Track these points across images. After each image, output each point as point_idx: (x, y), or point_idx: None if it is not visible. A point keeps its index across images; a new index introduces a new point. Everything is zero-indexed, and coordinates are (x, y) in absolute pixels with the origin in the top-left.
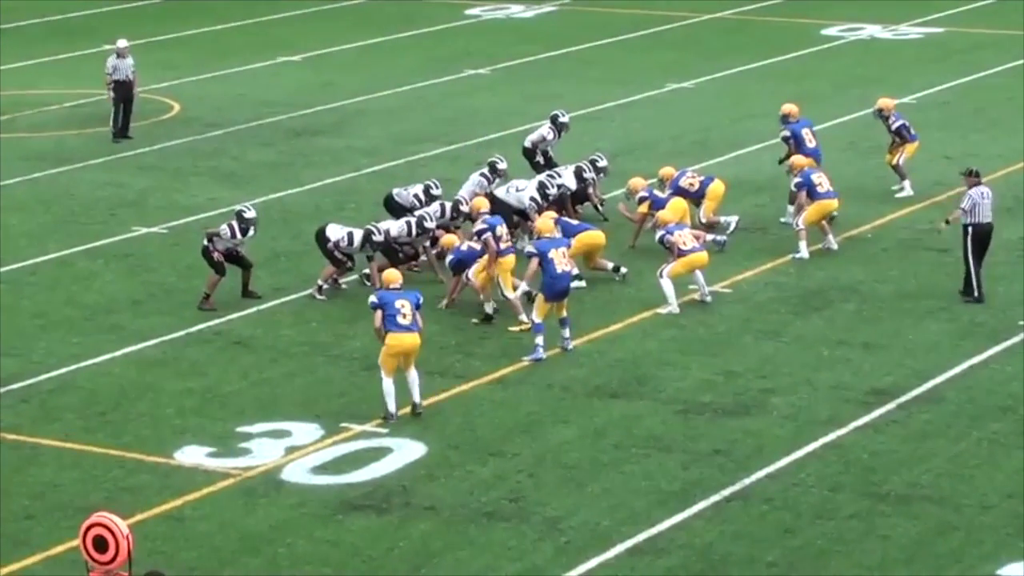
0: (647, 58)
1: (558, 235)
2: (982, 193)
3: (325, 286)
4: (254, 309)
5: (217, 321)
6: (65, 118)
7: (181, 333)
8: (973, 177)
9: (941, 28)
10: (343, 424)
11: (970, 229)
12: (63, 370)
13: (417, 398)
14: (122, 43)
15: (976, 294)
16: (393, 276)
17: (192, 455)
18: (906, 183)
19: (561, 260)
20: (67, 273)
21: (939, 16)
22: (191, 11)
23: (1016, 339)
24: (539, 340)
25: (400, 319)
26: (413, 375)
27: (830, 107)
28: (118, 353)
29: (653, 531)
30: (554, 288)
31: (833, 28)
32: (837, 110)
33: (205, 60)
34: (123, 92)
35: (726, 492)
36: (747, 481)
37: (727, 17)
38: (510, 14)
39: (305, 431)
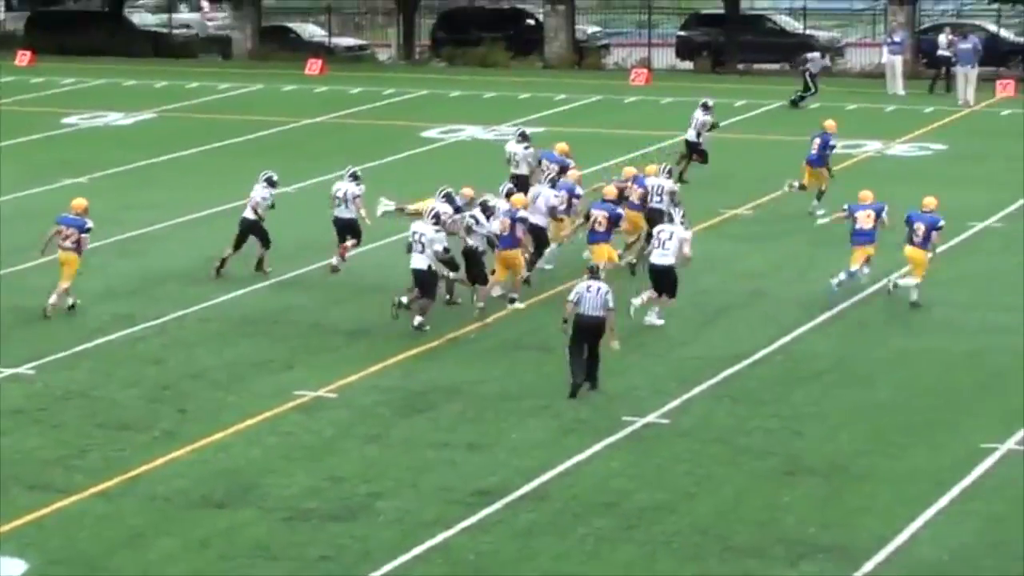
0: (249, 163)
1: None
2: (588, 287)
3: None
4: None
5: None
6: None
7: None
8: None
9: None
10: None
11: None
12: None
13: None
14: None
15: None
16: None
17: None
18: None
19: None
20: None
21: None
22: None
23: (619, 435)
24: None
25: None
26: None
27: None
28: None
29: None
30: None
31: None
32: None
33: None
34: None
35: None
36: None
37: (325, 121)
38: (108, 122)
39: None
